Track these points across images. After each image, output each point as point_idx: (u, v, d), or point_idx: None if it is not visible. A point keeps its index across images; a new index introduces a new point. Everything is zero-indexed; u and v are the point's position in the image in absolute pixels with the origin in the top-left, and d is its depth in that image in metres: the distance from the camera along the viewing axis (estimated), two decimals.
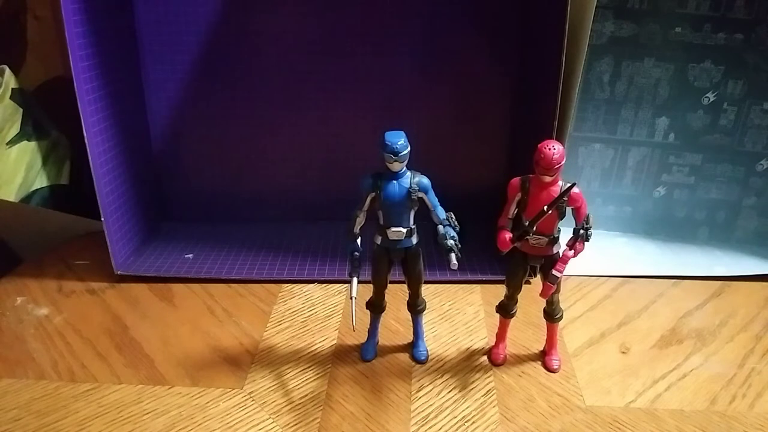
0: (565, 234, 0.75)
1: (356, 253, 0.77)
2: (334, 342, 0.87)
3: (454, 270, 0.73)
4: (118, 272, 1.02)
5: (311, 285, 1.02)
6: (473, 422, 0.73)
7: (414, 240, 0.77)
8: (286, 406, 0.75)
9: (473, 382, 0.79)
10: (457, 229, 0.74)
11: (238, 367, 0.82)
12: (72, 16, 0.89)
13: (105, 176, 0.99)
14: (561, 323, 0.82)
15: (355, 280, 0.76)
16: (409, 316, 0.84)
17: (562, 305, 0.81)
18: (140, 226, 1.13)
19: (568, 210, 0.73)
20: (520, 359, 0.84)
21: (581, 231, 0.73)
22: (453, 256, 0.72)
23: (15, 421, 0.72)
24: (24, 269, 1.07)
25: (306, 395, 0.77)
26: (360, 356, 0.83)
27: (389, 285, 0.81)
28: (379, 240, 0.77)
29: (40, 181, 1.16)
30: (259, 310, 0.95)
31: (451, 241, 0.73)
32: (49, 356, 0.84)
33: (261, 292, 1.00)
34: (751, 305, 0.97)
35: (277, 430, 0.71)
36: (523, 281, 0.79)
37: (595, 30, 1.05)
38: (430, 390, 0.78)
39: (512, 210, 0.74)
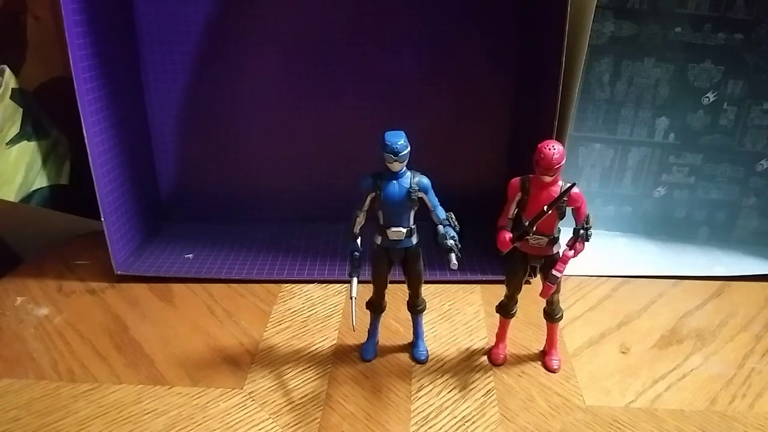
0: (565, 234, 0.75)
1: (356, 253, 0.77)
2: (334, 342, 0.87)
3: (454, 270, 0.73)
4: (118, 272, 1.02)
5: (311, 285, 1.02)
6: (473, 422, 0.73)
7: (414, 240, 0.77)
8: (286, 406, 0.75)
9: (473, 382, 0.79)
10: (457, 229, 0.74)
11: (238, 367, 0.82)
12: (72, 16, 0.89)
13: (105, 176, 0.99)
14: (561, 323, 0.82)
15: (355, 280, 0.77)
16: (409, 316, 0.84)
17: (562, 305, 0.81)
18: (140, 226, 1.13)
19: (568, 210, 0.73)
20: (520, 359, 0.84)
21: (581, 231, 0.73)
22: (453, 256, 0.72)
23: (15, 421, 0.72)
24: (24, 269, 1.07)
25: (306, 395, 0.77)
26: (360, 356, 0.83)
27: (389, 285, 0.81)
28: (379, 240, 0.77)
29: (40, 181, 1.15)
30: (259, 310, 0.95)
31: (451, 241, 0.73)
32: (49, 356, 0.84)
33: (261, 292, 1.00)
34: (751, 305, 0.97)
35: (277, 430, 0.71)
36: (523, 281, 0.79)
37: (595, 30, 1.05)
38: (430, 390, 0.78)
39: (512, 210, 0.74)
